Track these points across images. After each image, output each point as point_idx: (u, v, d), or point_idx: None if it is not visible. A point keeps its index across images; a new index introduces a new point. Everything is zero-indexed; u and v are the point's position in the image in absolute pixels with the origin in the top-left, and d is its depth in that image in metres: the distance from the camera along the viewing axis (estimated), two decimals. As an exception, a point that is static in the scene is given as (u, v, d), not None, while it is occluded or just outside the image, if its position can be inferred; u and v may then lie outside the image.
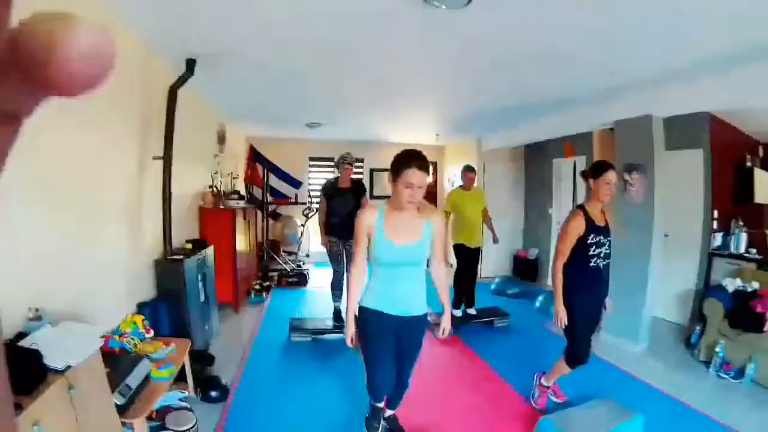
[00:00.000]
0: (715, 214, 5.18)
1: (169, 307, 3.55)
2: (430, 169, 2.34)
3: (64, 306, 2.30)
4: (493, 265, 8.16)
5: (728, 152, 5.37)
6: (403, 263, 2.38)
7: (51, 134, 2.23)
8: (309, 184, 8.99)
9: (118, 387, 2.19)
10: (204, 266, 4.25)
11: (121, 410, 2.16)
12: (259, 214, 7.62)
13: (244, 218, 6.08)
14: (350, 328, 2.51)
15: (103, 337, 2.60)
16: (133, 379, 2.35)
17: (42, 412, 1.49)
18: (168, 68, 3.79)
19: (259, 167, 7.79)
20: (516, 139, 7.07)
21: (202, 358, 3.68)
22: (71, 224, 2.54)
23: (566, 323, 2.98)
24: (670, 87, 4.15)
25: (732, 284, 4.40)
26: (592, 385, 3.57)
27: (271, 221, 8.25)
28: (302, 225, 8.10)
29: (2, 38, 0.21)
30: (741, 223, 5.12)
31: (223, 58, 3.71)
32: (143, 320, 3.06)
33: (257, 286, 6.44)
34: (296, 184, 8.03)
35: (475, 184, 5.47)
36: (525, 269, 8.01)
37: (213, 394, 3.24)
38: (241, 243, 5.84)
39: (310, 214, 7.75)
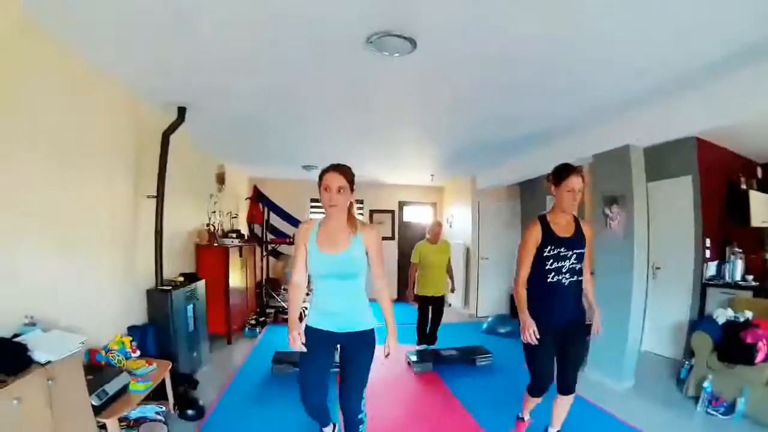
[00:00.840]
0: (708, 242, 5.15)
1: (156, 331, 3.99)
2: (352, 176, 2.56)
3: (60, 321, 2.76)
4: (488, 304, 8.39)
5: (720, 176, 5.35)
6: (336, 275, 2.45)
7: (50, 182, 2.84)
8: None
9: (96, 391, 2.60)
10: (193, 298, 4.68)
11: (97, 411, 2.56)
12: (259, 252, 8.08)
13: (240, 256, 6.55)
14: (293, 333, 2.48)
15: (90, 350, 3.06)
16: (111, 387, 2.77)
17: (22, 392, 1.90)
18: (161, 115, 4.35)
19: (261, 207, 8.27)
20: (505, 176, 7.43)
21: (186, 381, 4.05)
22: (67, 253, 3.07)
23: (537, 336, 2.74)
24: (647, 114, 4.16)
25: (723, 315, 4.27)
26: (565, 426, 3.37)
27: (272, 260, 8.67)
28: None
29: None
30: (737, 249, 5.09)
31: (208, 106, 4.26)
32: (131, 341, 3.52)
33: (253, 321, 6.83)
34: (297, 223, 8.47)
35: (447, 229, 5.89)
36: (520, 307, 8.14)
37: (189, 412, 3.59)
38: (236, 279, 6.29)
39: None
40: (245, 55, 3.09)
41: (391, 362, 5.16)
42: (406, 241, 9.91)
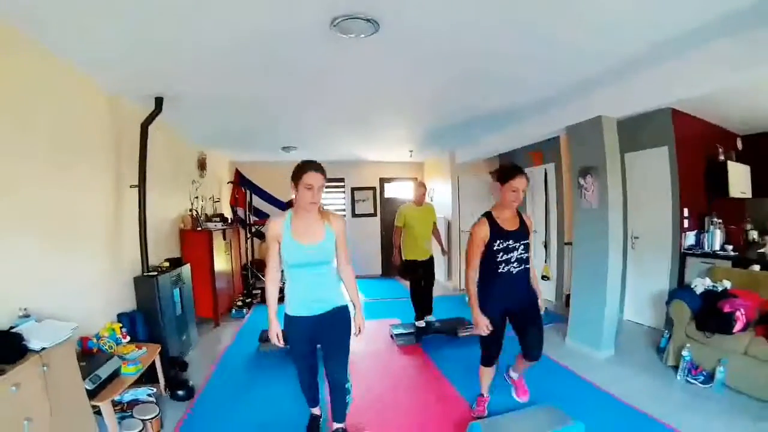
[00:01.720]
0: (686, 212, 5.27)
1: (145, 317, 4.13)
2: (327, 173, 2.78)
3: (53, 312, 2.87)
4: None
5: (698, 147, 5.45)
6: (310, 263, 2.68)
7: (33, 176, 2.93)
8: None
9: (89, 376, 2.75)
10: (179, 282, 4.82)
11: (92, 395, 2.73)
12: (243, 234, 8.21)
13: (224, 239, 6.67)
14: (273, 328, 2.79)
15: (81, 338, 3.20)
16: (104, 371, 2.94)
17: (20, 379, 2.05)
18: (138, 106, 4.41)
19: (244, 189, 8.35)
20: (482, 151, 7.56)
21: (176, 364, 4.22)
22: (56, 247, 3.19)
23: (489, 330, 3.05)
24: (619, 85, 4.23)
25: (701, 284, 4.35)
26: (542, 393, 3.67)
27: (257, 241, 8.80)
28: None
29: None
30: (717, 219, 5.22)
31: (184, 93, 4.31)
32: (121, 327, 3.67)
33: (239, 303, 7.01)
34: (281, 204, 8.57)
35: (430, 199, 5.90)
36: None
37: (180, 393, 3.78)
38: (221, 262, 6.43)
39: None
40: (213, 42, 3.12)
41: (375, 336, 5.48)
42: (389, 216, 10.02)
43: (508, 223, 3.09)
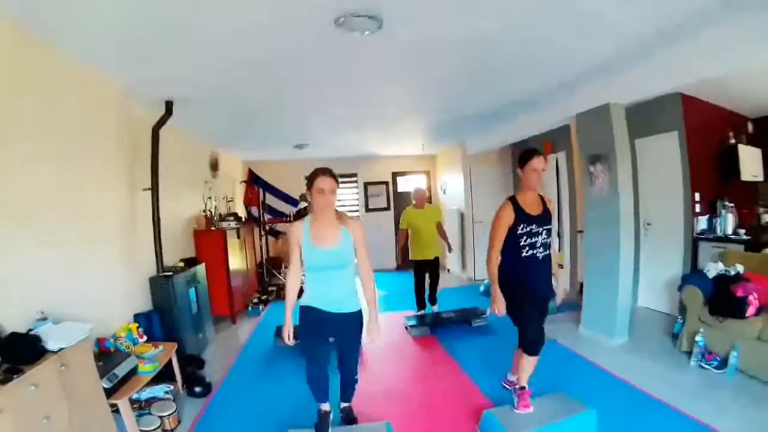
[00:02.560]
0: (697, 197, 5.24)
1: (161, 317, 4.26)
2: (339, 178, 2.84)
3: (70, 314, 2.96)
4: (485, 266, 8.57)
5: (708, 131, 5.39)
6: (329, 266, 2.78)
7: (47, 182, 3.03)
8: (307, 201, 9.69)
9: (107, 375, 2.86)
10: (195, 281, 4.93)
11: (109, 393, 2.83)
12: (257, 232, 8.32)
13: (238, 237, 6.79)
14: (288, 325, 2.89)
15: (99, 339, 3.32)
16: (121, 370, 3.04)
17: (38, 378, 2.15)
18: (149, 111, 4.52)
19: (257, 188, 8.46)
20: (494, 141, 7.54)
21: (193, 361, 4.33)
22: (72, 251, 3.29)
23: (503, 312, 3.08)
24: (627, 72, 4.22)
25: (714, 269, 4.30)
26: (555, 380, 3.66)
27: (271, 239, 8.92)
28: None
29: None
30: (728, 203, 5.16)
31: (194, 96, 4.41)
32: (137, 327, 3.80)
33: (255, 300, 7.13)
34: (293, 202, 8.66)
35: (440, 195, 5.98)
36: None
37: (197, 390, 3.89)
38: (236, 260, 6.56)
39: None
40: (223, 45, 3.22)
41: (390, 328, 5.53)
42: (402, 210, 10.07)
43: (532, 207, 3.12)
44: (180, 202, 5.65)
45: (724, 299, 3.92)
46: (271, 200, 8.68)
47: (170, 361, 3.80)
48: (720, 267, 4.32)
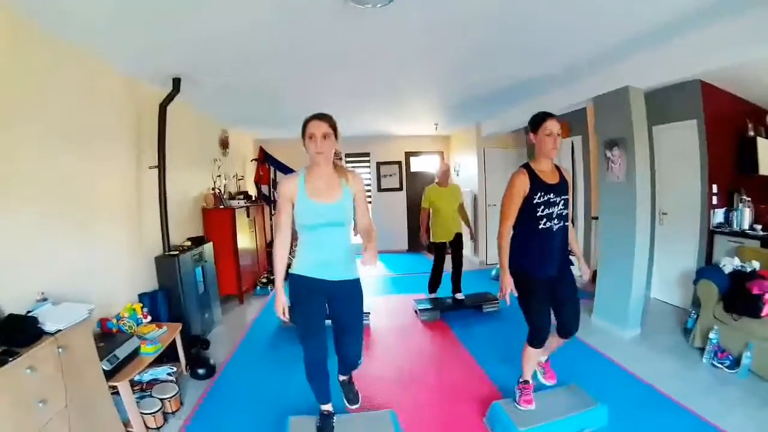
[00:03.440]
0: (715, 188, 5.08)
1: (167, 296, 4.26)
2: (336, 123, 2.56)
3: (73, 294, 2.99)
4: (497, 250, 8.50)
5: (727, 122, 5.23)
6: (326, 224, 2.47)
7: (51, 158, 3.02)
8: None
9: (107, 356, 2.85)
10: (202, 261, 4.93)
11: (109, 375, 2.83)
12: (268, 211, 8.31)
13: (248, 216, 6.78)
14: (279, 299, 2.57)
15: (101, 319, 3.32)
16: (122, 352, 3.04)
17: (34, 361, 2.14)
18: (157, 88, 4.47)
19: (269, 167, 8.42)
20: (509, 123, 7.37)
21: (198, 342, 4.34)
22: (76, 229, 3.31)
23: (514, 294, 2.83)
24: (646, 55, 4.09)
25: (730, 264, 4.19)
26: (566, 371, 3.56)
27: (282, 218, 8.88)
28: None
29: None
30: (746, 197, 5.01)
31: (202, 74, 4.33)
32: (142, 307, 3.79)
33: (264, 280, 7.15)
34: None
35: (454, 177, 5.76)
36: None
37: (200, 371, 3.88)
38: (245, 240, 6.54)
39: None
40: (229, 23, 3.14)
41: (399, 312, 5.50)
42: (415, 191, 10.04)
43: (549, 176, 2.86)
44: (188, 180, 5.63)
45: (739, 296, 3.81)
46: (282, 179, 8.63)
47: (174, 342, 3.80)
48: (736, 262, 4.20)
